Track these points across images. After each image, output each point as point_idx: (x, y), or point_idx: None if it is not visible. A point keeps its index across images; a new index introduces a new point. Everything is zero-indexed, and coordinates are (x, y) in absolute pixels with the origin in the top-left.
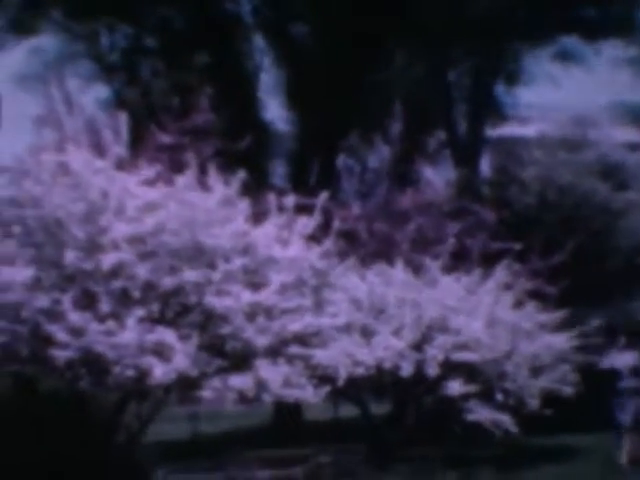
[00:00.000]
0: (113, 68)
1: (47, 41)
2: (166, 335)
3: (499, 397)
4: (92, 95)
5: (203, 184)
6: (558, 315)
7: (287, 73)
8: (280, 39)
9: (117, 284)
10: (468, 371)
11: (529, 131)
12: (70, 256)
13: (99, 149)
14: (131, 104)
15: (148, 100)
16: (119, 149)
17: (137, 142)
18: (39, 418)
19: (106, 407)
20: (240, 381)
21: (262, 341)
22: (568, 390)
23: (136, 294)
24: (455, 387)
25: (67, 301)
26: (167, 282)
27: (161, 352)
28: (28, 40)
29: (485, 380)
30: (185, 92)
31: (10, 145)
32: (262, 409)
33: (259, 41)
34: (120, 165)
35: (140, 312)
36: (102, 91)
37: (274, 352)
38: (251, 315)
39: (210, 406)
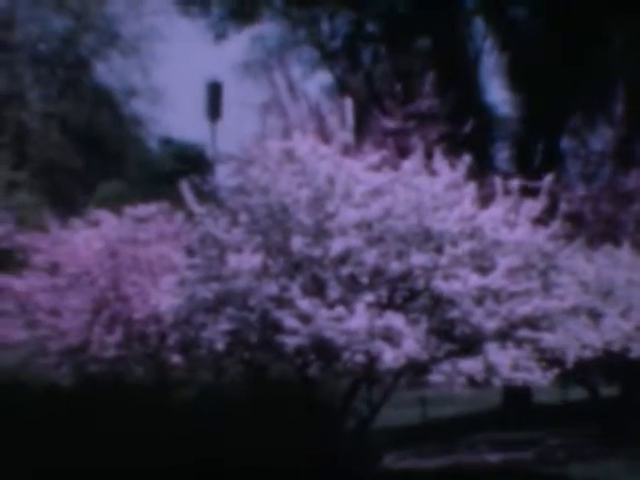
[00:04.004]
0: (335, 54)
1: (268, 28)
2: (395, 320)
3: None
4: (315, 82)
5: (429, 168)
6: None
7: (508, 56)
8: (501, 22)
9: (345, 270)
10: None
11: None
12: (298, 243)
13: (324, 135)
14: (354, 90)
15: (371, 86)
16: (345, 135)
17: (361, 127)
18: (271, 404)
19: (336, 393)
20: (470, 365)
21: (491, 325)
22: None
23: (364, 280)
24: None
25: (295, 288)
26: (395, 267)
27: (390, 337)
28: (250, 28)
29: None
30: (407, 77)
31: (234, 132)
32: (489, 393)
33: (479, 25)
34: (346, 151)
35: (369, 298)
36: (325, 78)
37: (503, 336)
38: (479, 299)
39: (437, 391)
